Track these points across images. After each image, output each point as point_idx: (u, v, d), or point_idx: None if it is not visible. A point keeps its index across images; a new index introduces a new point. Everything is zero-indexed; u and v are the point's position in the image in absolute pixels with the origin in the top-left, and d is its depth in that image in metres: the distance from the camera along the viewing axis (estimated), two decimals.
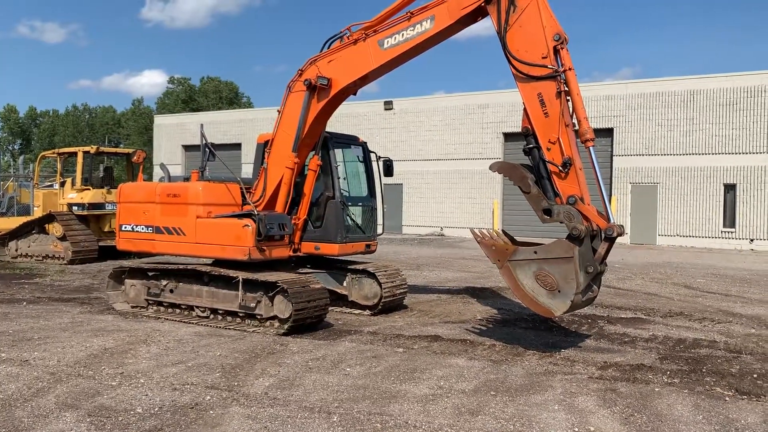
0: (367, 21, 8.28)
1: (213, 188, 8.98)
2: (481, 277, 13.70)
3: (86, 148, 16.98)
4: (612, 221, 6.68)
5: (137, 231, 9.38)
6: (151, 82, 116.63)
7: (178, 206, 8.95)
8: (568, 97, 6.76)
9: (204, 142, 8.99)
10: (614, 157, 26.06)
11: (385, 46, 8.02)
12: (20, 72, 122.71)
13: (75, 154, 17.28)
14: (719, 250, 23.24)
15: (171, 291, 9.09)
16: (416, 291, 11.94)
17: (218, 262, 8.88)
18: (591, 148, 6.75)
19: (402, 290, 9.68)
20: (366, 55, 8.18)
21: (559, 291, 6.58)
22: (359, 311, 9.49)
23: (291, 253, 9.10)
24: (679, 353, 7.32)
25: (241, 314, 8.43)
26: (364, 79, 8.49)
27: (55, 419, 4.77)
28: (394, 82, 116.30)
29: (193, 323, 8.62)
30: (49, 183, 18.60)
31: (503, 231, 7.78)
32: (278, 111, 8.98)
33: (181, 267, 8.92)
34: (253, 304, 8.24)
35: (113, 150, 18.43)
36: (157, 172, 33.38)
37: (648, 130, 25.43)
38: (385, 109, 30.90)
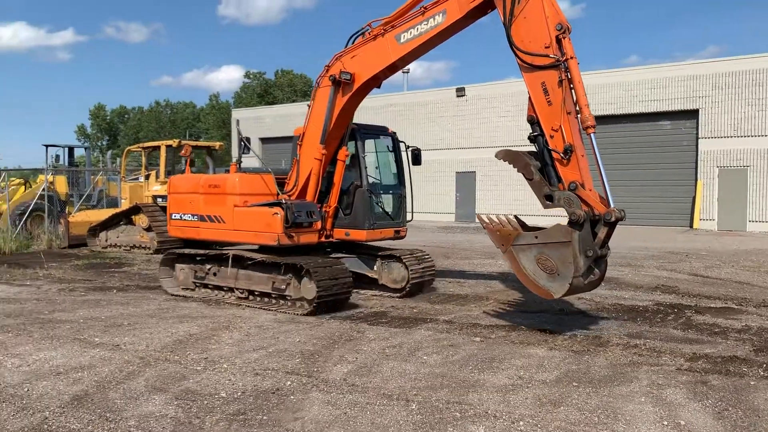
0: (387, 17, 8.69)
1: (249, 179, 9.53)
2: None
3: (168, 142, 17.61)
4: (612, 206, 6.82)
5: (185, 219, 10.08)
6: (228, 77, 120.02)
7: (218, 196, 9.56)
8: (572, 85, 6.92)
9: (240, 137, 9.73)
10: (700, 140, 24.86)
11: (402, 40, 8.39)
12: (107, 71, 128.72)
13: (158, 147, 17.95)
14: None
15: (214, 274, 9.71)
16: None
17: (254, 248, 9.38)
18: (592, 134, 6.93)
19: (429, 273, 9.94)
20: (385, 49, 8.58)
21: (558, 274, 6.80)
22: (389, 294, 9.85)
23: (321, 239, 9.53)
24: None
25: (273, 295, 8.94)
26: (385, 73, 8.85)
27: (145, 401, 4.96)
28: (465, 67, 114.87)
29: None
30: (135, 176, 19.43)
31: (515, 217, 7.89)
32: (308, 105, 9.46)
33: (209, 252, 9.79)
34: (283, 286, 8.76)
35: (194, 143, 19.04)
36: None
37: (737, 110, 24.10)
38: (458, 96, 30.59)
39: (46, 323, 7.84)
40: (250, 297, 9.31)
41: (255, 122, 38.09)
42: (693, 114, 25.06)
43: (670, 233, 22.52)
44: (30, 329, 7.49)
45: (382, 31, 8.58)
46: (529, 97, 7.17)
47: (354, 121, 9.68)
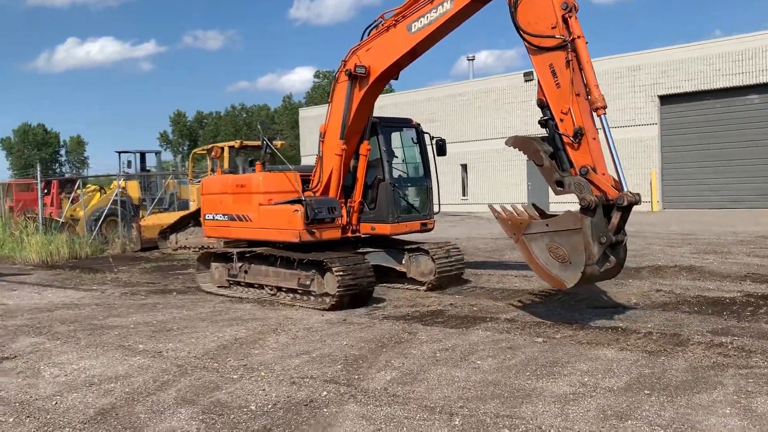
0: (398, 7, 8.53)
1: (273, 178, 9.63)
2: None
3: (230, 143, 17.64)
4: (625, 190, 6.54)
5: (217, 219, 10.26)
6: (302, 78, 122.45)
7: (245, 195, 9.72)
8: (581, 66, 6.65)
9: (262, 136, 10.03)
10: None
11: (413, 30, 8.24)
12: (187, 79, 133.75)
13: (221, 149, 18.01)
14: None
15: (245, 272, 9.85)
16: None
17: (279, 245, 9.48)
18: (603, 116, 6.66)
19: (458, 266, 9.83)
20: (397, 40, 8.44)
21: (570, 263, 6.52)
22: (416, 287, 9.74)
23: (346, 235, 9.52)
24: None
25: (300, 291, 9.03)
26: (401, 63, 8.66)
27: (170, 416, 4.66)
28: None
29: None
30: (201, 179, 19.62)
31: (533, 204, 7.70)
32: (328, 102, 9.45)
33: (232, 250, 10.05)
34: (308, 282, 8.84)
35: (256, 143, 19.00)
36: (306, 161, 34.46)
37: None
38: (525, 81, 29.48)
39: (96, 329, 7.77)
40: (279, 294, 9.41)
41: (322, 120, 38.09)
42: None
43: (762, 216, 20.82)
44: (79, 336, 7.43)
45: (394, 22, 8.45)
46: (538, 81, 6.96)
47: (376, 115, 9.58)
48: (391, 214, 9.38)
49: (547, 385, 5.10)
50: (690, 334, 6.54)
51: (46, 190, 24.10)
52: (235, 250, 10.00)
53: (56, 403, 5.01)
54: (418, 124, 10.26)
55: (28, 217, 19.81)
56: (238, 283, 10.09)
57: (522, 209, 7.57)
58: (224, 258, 10.29)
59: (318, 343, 6.72)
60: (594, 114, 6.70)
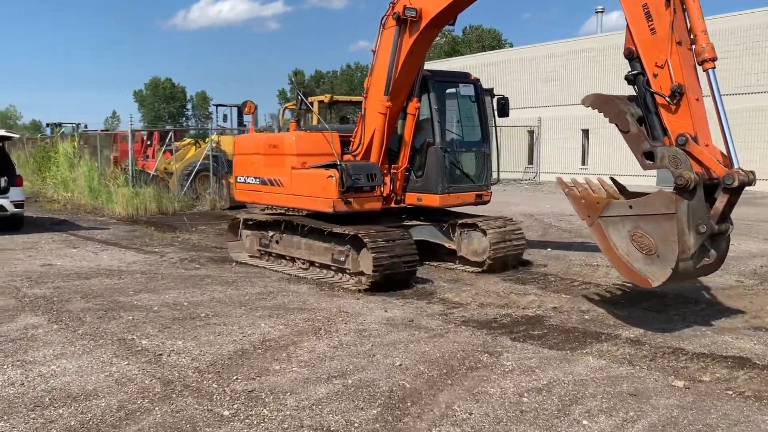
0: None
1: (307, 138, 8.51)
2: None
3: (321, 98, 16.12)
4: (736, 166, 5.28)
5: (248, 182, 9.26)
6: None
7: (277, 157, 8.65)
8: (684, 7, 5.41)
9: (297, 90, 8.93)
10: None
11: None
12: (310, 38, 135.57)
13: (312, 103, 16.59)
14: None
15: (277, 242, 9.00)
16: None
17: (313, 214, 8.49)
18: (711, 71, 5.39)
19: (516, 245, 8.54)
20: None
21: (657, 255, 5.36)
22: (470, 268, 8.52)
23: (389, 205, 8.44)
24: None
25: (333, 268, 8.02)
26: (457, 5, 7.43)
27: None
28: None
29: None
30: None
31: (612, 179, 6.43)
32: (372, 51, 8.16)
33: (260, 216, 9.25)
34: (342, 258, 7.81)
35: (347, 98, 17.42)
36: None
37: None
38: None
39: (111, 311, 6.44)
40: (311, 268, 8.40)
41: None
42: None
43: None
44: (85, 319, 6.12)
45: None
46: (627, 25, 5.73)
47: (429, 68, 8.40)
48: (441, 183, 8.20)
49: None
50: None
51: (149, 142, 23.88)
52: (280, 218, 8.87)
53: None
54: (477, 80, 8.86)
55: (122, 169, 19.46)
56: (270, 254, 9.13)
57: (599, 184, 6.28)
58: (256, 225, 9.33)
59: (364, 359, 5.00)
60: (699, 69, 5.45)
